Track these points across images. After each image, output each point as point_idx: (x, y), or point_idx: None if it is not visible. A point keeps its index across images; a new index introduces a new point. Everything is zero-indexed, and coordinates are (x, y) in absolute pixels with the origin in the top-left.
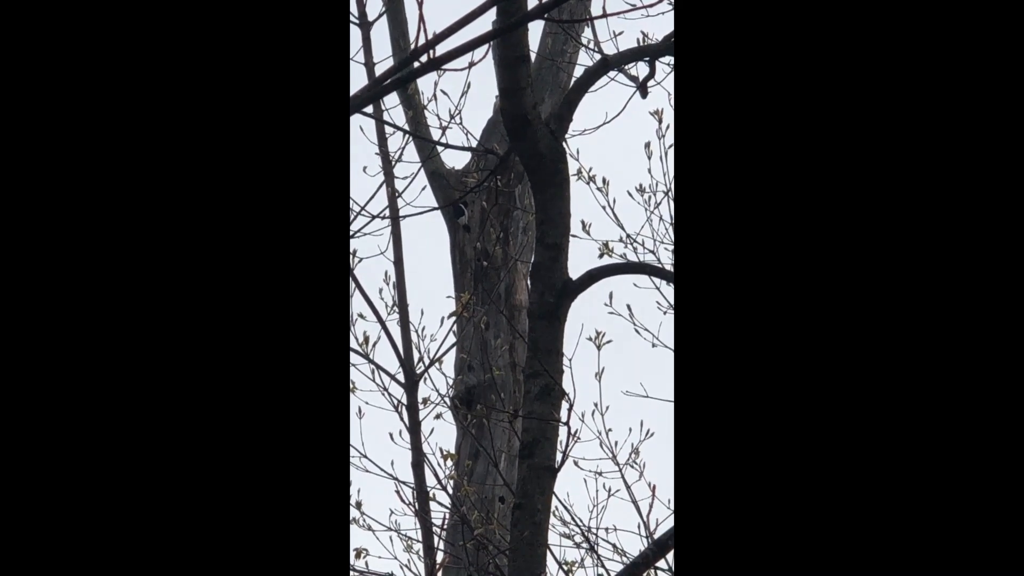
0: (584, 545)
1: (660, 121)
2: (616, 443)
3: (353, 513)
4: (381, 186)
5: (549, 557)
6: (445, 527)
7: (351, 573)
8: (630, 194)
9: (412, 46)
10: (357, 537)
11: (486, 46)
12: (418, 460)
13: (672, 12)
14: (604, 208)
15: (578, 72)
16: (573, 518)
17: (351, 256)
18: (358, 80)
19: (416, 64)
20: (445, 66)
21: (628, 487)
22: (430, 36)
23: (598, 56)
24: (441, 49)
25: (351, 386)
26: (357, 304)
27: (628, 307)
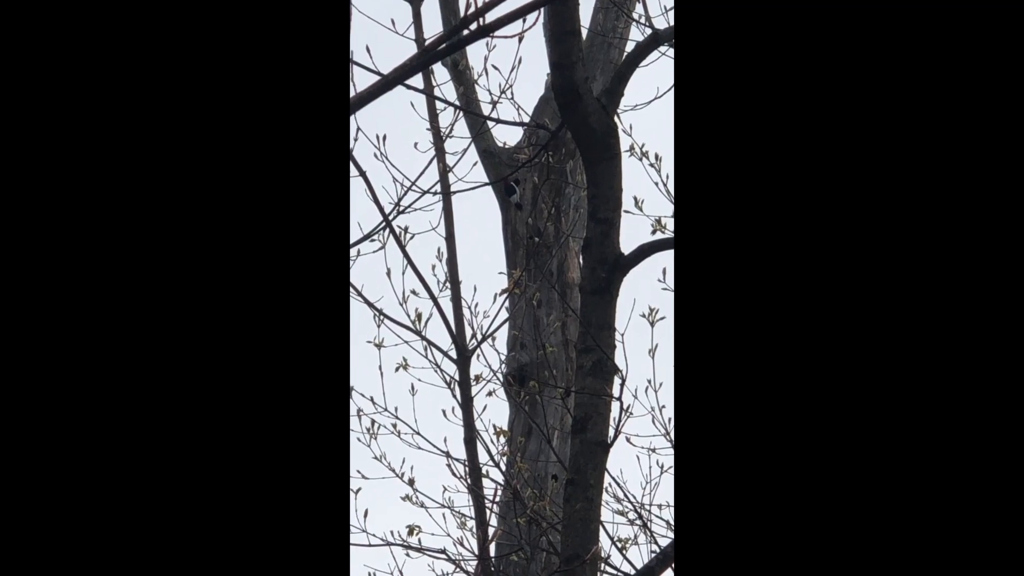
0: (637, 522)
1: None
2: (669, 420)
3: (406, 490)
4: (432, 161)
5: (602, 533)
6: (497, 503)
7: (403, 551)
8: None
9: (462, 15)
10: (411, 514)
11: (536, 13)
12: (471, 437)
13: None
14: (657, 184)
15: (629, 48)
16: (626, 494)
17: (403, 233)
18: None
19: (465, 32)
20: (495, 33)
21: None
22: (479, 4)
23: (649, 31)
24: (490, 18)
25: (404, 363)
26: (409, 281)
27: None
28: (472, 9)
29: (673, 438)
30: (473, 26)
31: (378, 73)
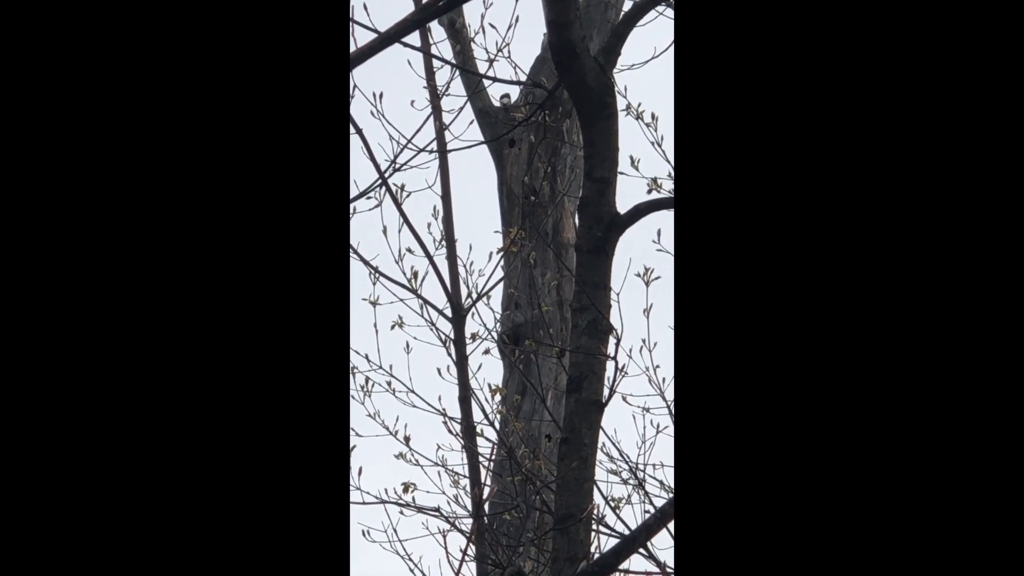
0: (632, 481)
1: None
2: (664, 380)
3: (401, 448)
4: (428, 119)
5: (596, 492)
6: (492, 461)
7: (398, 508)
8: None
9: None
10: (405, 472)
11: None
12: (465, 395)
13: None
14: (653, 144)
15: (627, 8)
16: (620, 454)
17: (399, 191)
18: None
19: None
20: None
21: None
22: None
23: None
24: None
25: (399, 320)
26: (405, 239)
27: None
28: None
29: (671, 398)
30: None
31: (375, 31)
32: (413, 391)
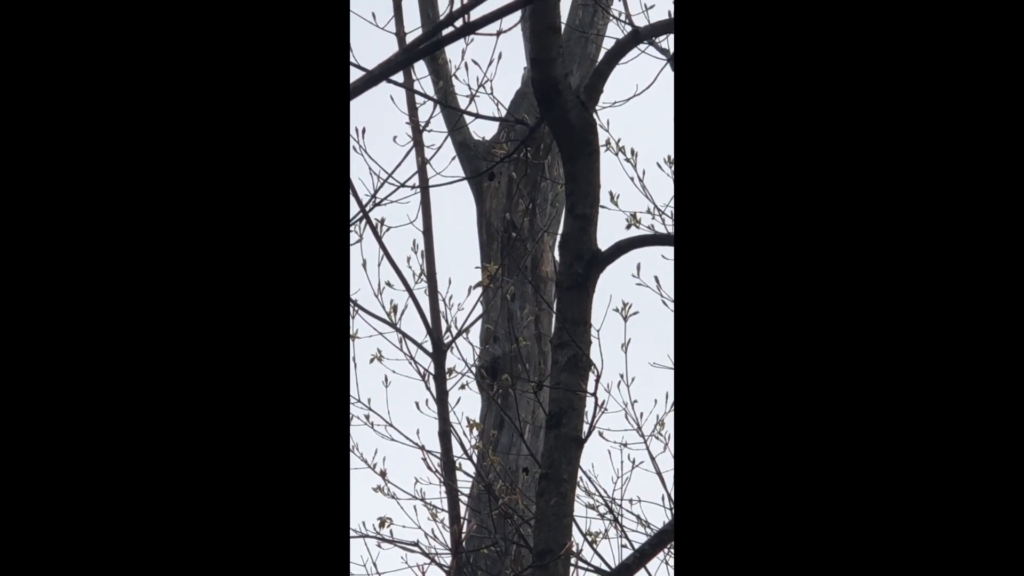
0: (608, 516)
1: None
2: (641, 414)
3: (378, 481)
4: (408, 153)
5: (574, 527)
6: (470, 496)
7: (377, 542)
8: (659, 166)
9: (445, 13)
10: (382, 506)
11: (519, 13)
12: (445, 430)
13: None
14: (633, 179)
15: (608, 45)
16: (597, 489)
17: (380, 225)
18: (390, 51)
19: (450, 28)
20: (477, 31)
21: (653, 458)
22: (464, 2)
23: (628, 28)
24: (474, 16)
25: (378, 354)
26: (385, 272)
27: (656, 278)
28: (457, 6)
29: (648, 432)
30: (459, 23)
31: (361, 68)
32: (391, 425)
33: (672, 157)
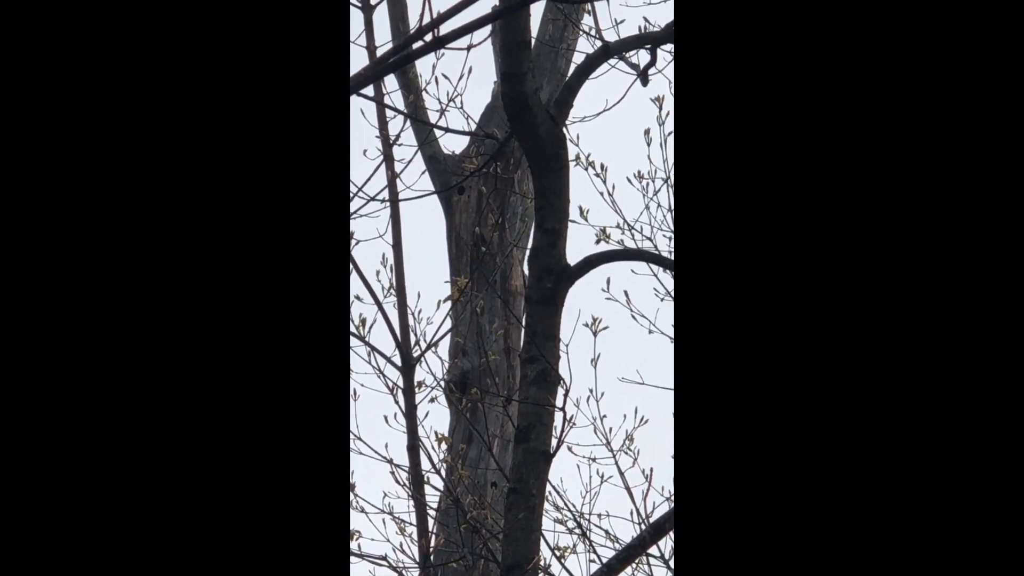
0: (577, 531)
1: (660, 108)
2: (611, 429)
3: None
4: (379, 167)
5: (542, 542)
6: (438, 510)
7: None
8: (629, 180)
9: (415, 27)
10: (350, 519)
11: (489, 27)
12: (414, 444)
13: (673, 1)
14: (602, 194)
15: (578, 59)
16: (566, 503)
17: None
18: (360, 64)
19: (420, 43)
20: (448, 46)
21: (622, 473)
22: (434, 16)
23: (598, 43)
24: (444, 30)
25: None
26: (354, 286)
27: (625, 293)
28: (427, 20)
29: (617, 447)
30: (428, 37)
31: None
32: (360, 438)
33: (641, 172)
